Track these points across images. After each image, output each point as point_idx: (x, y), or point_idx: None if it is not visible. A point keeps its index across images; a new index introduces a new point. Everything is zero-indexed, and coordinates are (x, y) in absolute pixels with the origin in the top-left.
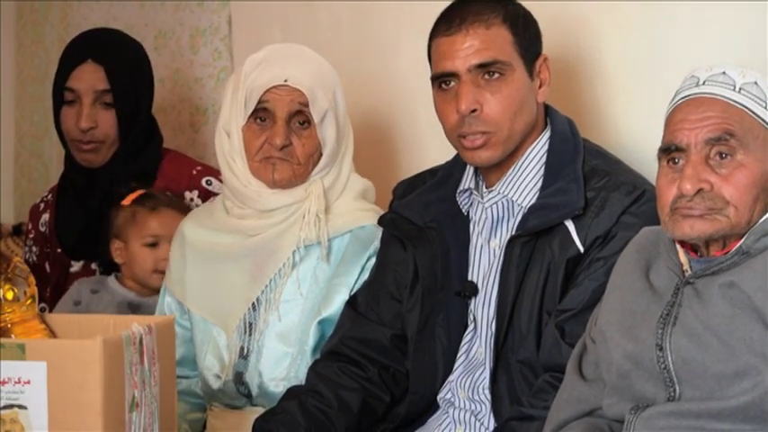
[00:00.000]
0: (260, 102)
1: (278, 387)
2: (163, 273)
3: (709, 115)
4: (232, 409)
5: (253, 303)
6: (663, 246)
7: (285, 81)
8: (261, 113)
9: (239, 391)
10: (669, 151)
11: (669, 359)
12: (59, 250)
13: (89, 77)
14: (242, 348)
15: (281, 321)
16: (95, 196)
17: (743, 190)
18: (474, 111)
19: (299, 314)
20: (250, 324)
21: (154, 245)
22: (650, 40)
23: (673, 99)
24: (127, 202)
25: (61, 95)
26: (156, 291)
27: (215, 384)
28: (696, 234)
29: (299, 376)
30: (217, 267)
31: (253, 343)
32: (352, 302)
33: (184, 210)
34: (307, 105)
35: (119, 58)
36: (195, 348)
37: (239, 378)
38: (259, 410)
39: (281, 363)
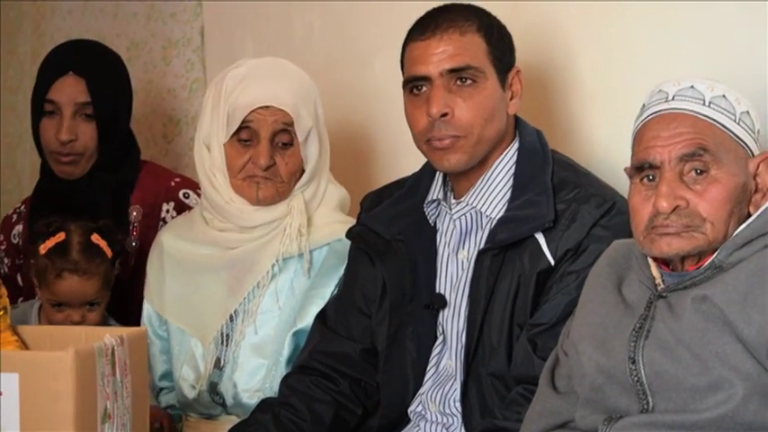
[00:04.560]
0: (243, 121)
1: (252, 398)
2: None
3: (681, 131)
4: (207, 418)
5: (230, 315)
6: (635, 259)
7: (270, 104)
8: (244, 132)
9: (214, 400)
10: (642, 169)
11: (642, 372)
12: (31, 262)
13: (70, 90)
14: (218, 359)
15: (258, 333)
16: (73, 208)
17: (718, 205)
18: (445, 115)
19: (275, 326)
20: (227, 335)
21: (60, 305)
22: (624, 51)
23: (641, 115)
24: (43, 250)
25: (41, 107)
26: None
27: (190, 394)
28: (674, 252)
29: (274, 387)
30: (195, 278)
31: (228, 354)
32: (321, 316)
33: (95, 272)
34: (291, 125)
35: (100, 71)
36: (172, 358)
37: (214, 388)
38: (234, 420)
39: (256, 374)
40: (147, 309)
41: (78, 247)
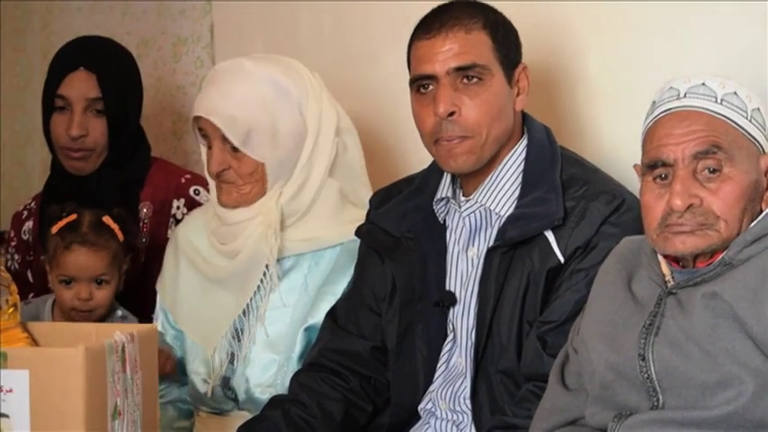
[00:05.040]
0: (199, 128)
1: (264, 393)
2: (81, 311)
3: (694, 129)
4: (219, 413)
5: (243, 310)
6: (644, 256)
7: (198, 113)
8: (205, 139)
9: (226, 395)
10: (655, 167)
11: (652, 369)
12: (43, 258)
13: (81, 85)
14: (231, 354)
15: (270, 328)
16: (83, 204)
17: (732, 203)
18: (452, 114)
19: (287, 322)
20: (240, 330)
21: (69, 282)
22: (632, 47)
23: (651, 112)
24: (55, 229)
25: (51, 102)
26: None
27: (202, 388)
28: (689, 250)
29: (285, 383)
30: (206, 285)
31: (241, 349)
32: (332, 314)
33: (104, 246)
34: None
35: (111, 67)
36: (185, 353)
37: (226, 383)
38: (245, 415)
39: (268, 370)
40: (160, 300)
41: (89, 224)
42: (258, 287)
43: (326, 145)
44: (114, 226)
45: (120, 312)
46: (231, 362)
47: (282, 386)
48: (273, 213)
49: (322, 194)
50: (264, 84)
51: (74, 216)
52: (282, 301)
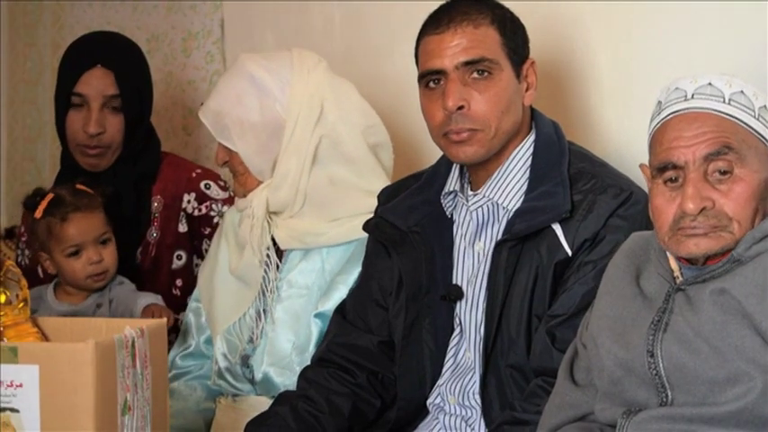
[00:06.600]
0: None
1: (279, 375)
2: (96, 275)
3: (704, 131)
4: (236, 395)
5: (262, 290)
6: (653, 252)
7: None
8: None
9: (244, 375)
10: (665, 169)
11: (660, 365)
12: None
13: (98, 82)
14: (251, 333)
15: (286, 309)
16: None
17: (744, 204)
18: (461, 108)
19: (303, 304)
20: (260, 310)
21: (76, 252)
22: (643, 44)
23: (658, 114)
24: (39, 213)
25: (67, 100)
26: (96, 290)
27: (222, 363)
28: (703, 252)
29: (303, 365)
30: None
31: (261, 328)
32: (341, 309)
33: (95, 206)
34: None
35: (127, 63)
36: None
37: (245, 361)
38: (262, 401)
39: (284, 350)
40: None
41: (69, 193)
42: (264, 277)
43: (303, 136)
44: (89, 190)
45: (117, 278)
46: (251, 341)
47: (300, 367)
48: (255, 204)
49: (311, 185)
50: (243, 78)
51: (50, 195)
52: (299, 282)
